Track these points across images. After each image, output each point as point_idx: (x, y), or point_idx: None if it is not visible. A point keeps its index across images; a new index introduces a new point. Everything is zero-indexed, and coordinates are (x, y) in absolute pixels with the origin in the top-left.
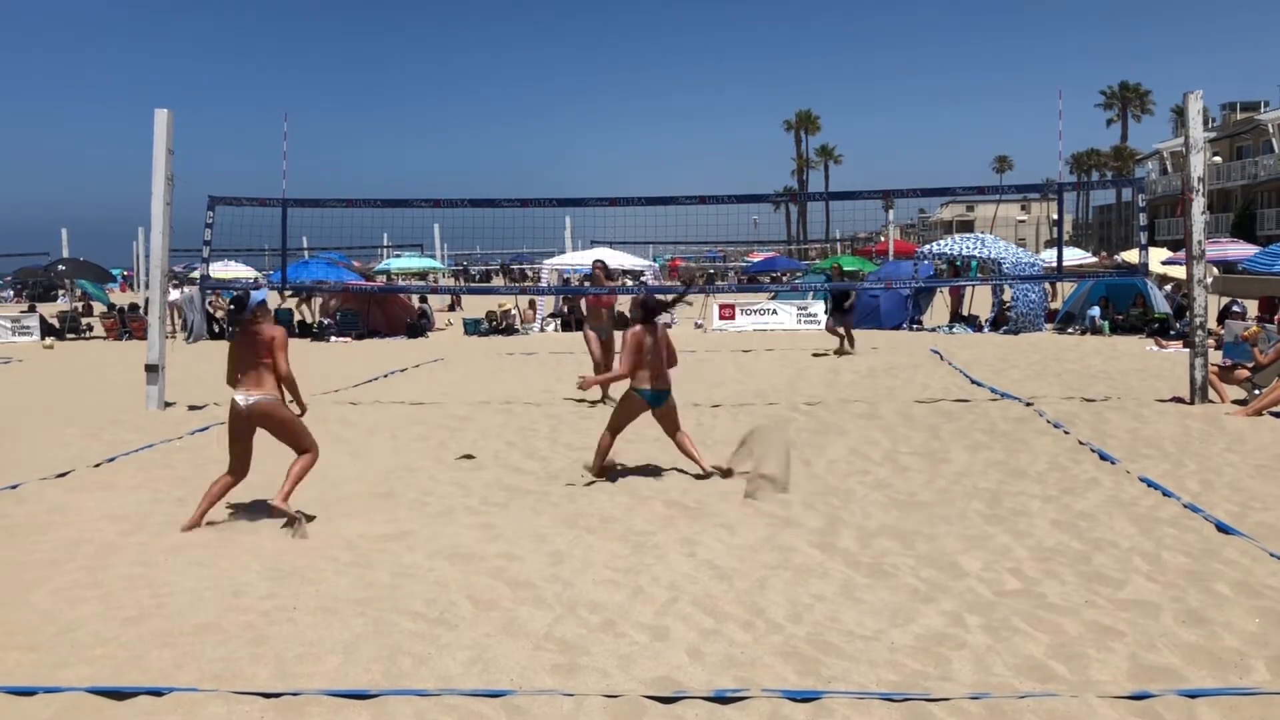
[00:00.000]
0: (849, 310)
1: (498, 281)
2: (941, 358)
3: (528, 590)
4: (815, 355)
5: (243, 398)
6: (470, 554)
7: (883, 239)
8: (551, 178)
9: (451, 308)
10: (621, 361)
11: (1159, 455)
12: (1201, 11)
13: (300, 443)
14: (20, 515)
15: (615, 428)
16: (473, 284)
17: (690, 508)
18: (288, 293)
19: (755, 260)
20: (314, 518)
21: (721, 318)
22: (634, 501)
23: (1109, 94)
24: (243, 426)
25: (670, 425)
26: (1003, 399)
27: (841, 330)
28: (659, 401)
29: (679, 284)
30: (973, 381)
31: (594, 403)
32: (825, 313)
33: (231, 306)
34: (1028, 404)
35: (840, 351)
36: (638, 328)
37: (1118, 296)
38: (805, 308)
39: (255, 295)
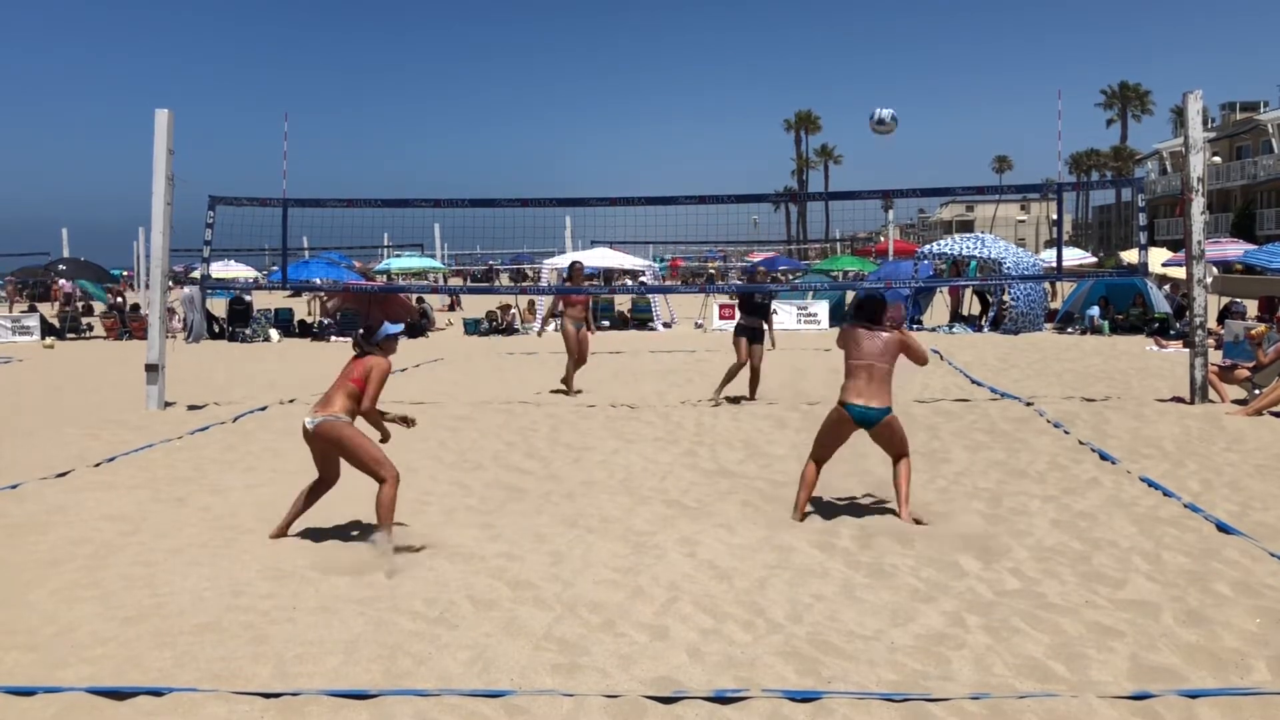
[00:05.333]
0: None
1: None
2: (941, 358)
3: (528, 590)
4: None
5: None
6: (470, 554)
7: (883, 239)
8: (551, 178)
9: (451, 308)
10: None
11: (1159, 455)
12: (1201, 12)
13: (368, 470)
14: (20, 515)
15: None
16: (473, 284)
17: (690, 508)
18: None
19: (755, 260)
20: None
21: (721, 317)
22: (634, 501)
23: (1109, 94)
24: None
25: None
26: (1003, 399)
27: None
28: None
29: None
30: (973, 381)
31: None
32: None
33: (361, 332)
34: (1028, 404)
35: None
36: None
37: (1117, 296)
38: (805, 308)
39: (389, 328)
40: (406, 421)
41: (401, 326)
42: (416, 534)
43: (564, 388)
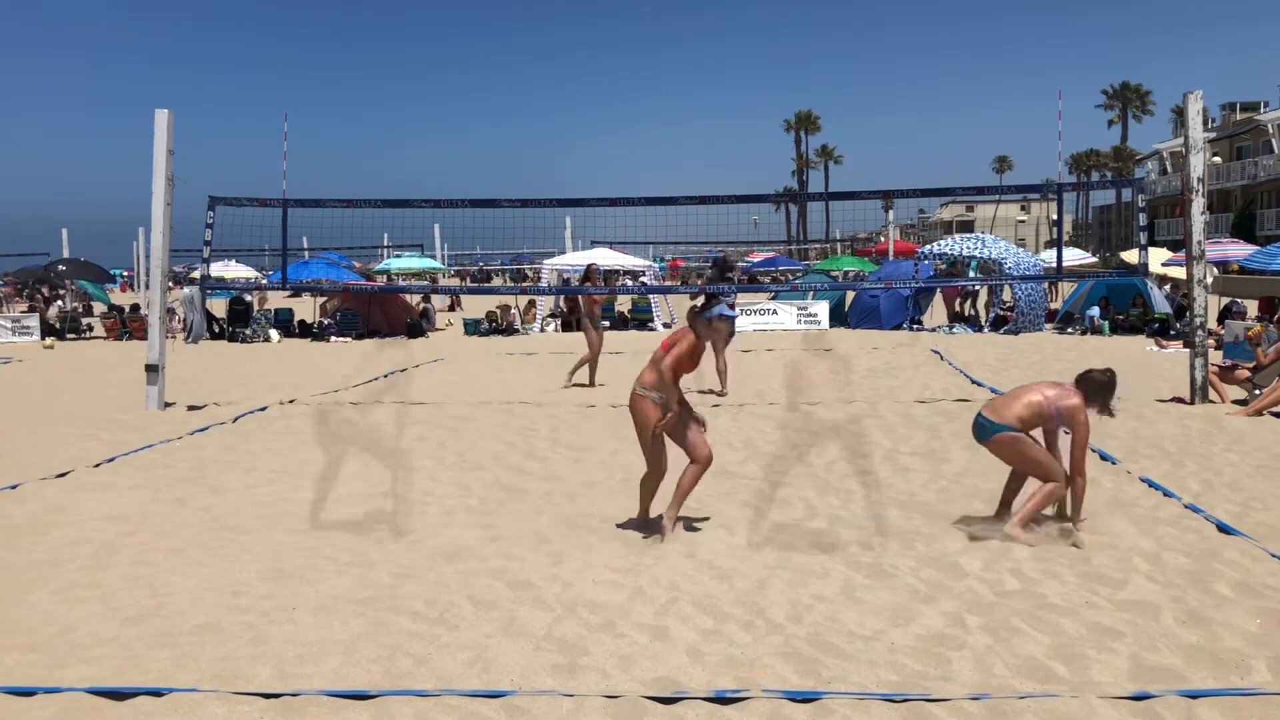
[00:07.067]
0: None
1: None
2: (941, 358)
3: (528, 590)
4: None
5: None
6: (470, 554)
7: (883, 239)
8: (551, 178)
9: (451, 308)
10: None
11: (1159, 455)
12: (1202, 12)
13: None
14: (20, 515)
15: None
16: (473, 284)
17: (690, 507)
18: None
19: (755, 260)
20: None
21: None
22: (634, 501)
23: (1109, 94)
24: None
25: None
26: None
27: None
28: None
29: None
30: (973, 381)
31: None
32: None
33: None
34: None
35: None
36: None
37: (1117, 296)
38: (805, 308)
39: (723, 311)
40: (699, 421)
41: (736, 312)
42: (417, 533)
43: (586, 382)
